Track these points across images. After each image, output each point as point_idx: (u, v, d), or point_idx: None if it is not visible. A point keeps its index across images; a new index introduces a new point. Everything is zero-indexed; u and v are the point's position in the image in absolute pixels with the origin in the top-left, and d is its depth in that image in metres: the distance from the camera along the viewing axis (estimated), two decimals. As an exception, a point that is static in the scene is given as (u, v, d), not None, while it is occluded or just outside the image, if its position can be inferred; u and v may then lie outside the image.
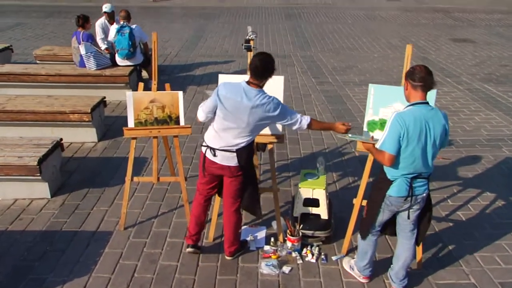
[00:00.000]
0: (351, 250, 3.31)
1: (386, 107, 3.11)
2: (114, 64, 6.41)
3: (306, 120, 2.94)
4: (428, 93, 2.63)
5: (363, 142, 2.79)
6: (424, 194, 2.71)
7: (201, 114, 2.95)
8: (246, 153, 2.88)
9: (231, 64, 8.30)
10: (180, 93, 3.49)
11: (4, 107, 4.91)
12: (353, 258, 3.12)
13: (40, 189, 3.93)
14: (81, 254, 3.26)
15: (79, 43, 6.11)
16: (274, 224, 3.57)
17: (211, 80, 7.25)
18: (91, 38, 6.21)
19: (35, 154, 3.85)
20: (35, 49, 7.86)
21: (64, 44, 8.44)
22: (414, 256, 2.94)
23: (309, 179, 3.42)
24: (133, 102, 3.42)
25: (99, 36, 6.69)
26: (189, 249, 3.23)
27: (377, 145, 2.63)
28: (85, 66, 6.21)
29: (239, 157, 2.85)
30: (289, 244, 3.29)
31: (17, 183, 3.88)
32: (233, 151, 2.83)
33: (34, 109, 4.86)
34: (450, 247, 3.38)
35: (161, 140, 4.04)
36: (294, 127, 2.95)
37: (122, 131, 3.49)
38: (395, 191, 2.65)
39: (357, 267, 3.05)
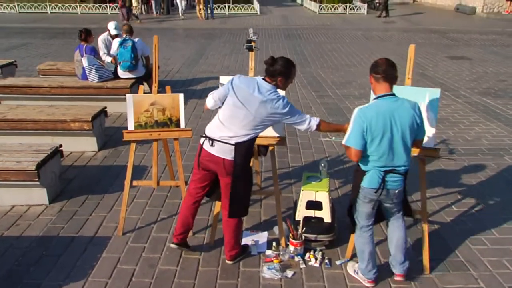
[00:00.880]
0: (356, 255, 3.21)
1: None
2: (116, 77, 6.46)
3: (315, 121, 2.93)
4: (431, 93, 2.63)
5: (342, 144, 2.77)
6: (397, 191, 2.69)
7: (211, 101, 2.96)
8: (245, 150, 2.81)
9: (232, 79, 8.36)
10: (181, 95, 3.48)
11: (5, 116, 4.90)
12: (358, 263, 3.03)
13: (38, 195, 3.87)
14: (78, 259, 3.18)
15: (82, 56, 6.18)
16: (275, 229, 3.49)
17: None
18: (94, 51, 6.28)
19: (33, 159, 3.80)
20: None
21: (67, 61, 8.54)
22: (406, 237, 2.89)
23: (311, 182, 3.37)
24: (133, 105, 3.40)
25: (102, 51, 6.78)
26: (173, 245, 3.18)
27: (343, 141, 2.65)
28: (87, 79, 6.24)
29: (236, 152, 2.78)
30: (291, 248, 3.21)
31: (15, 189, 3.82)
32: (232, 144, 2.78)
33: (35, 118, 4.85)
34: (457, 252, 3.29)
35: (161, 148, 4.00)
36: (303, 127, 2.92)
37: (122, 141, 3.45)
38: (367, 182, 2.67)
39: (361, 271, 2.96)
